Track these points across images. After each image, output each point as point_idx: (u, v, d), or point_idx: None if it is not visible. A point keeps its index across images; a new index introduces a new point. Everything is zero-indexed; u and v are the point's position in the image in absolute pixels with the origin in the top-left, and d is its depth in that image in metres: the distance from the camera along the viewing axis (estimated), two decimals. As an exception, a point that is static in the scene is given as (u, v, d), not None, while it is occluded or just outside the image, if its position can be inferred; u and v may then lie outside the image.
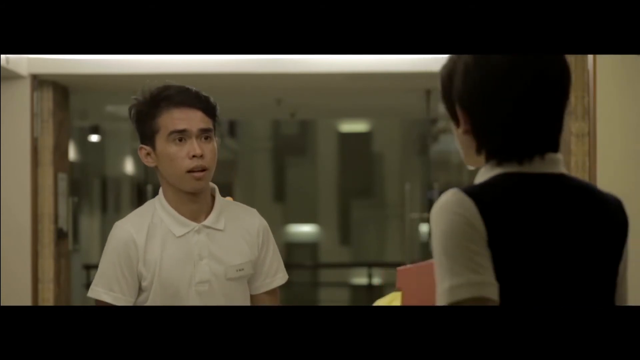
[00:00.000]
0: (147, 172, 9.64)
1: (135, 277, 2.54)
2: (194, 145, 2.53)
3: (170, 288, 2.53)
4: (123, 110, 9.21)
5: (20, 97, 6.04)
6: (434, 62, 5.77)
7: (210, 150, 2.56)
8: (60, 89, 6.39)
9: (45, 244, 6.16)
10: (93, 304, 2.62)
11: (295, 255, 14.15)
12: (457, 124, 1.72)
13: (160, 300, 2.54)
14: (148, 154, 2.59)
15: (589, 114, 4.45)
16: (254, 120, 13.96)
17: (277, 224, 14.80)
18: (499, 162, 1.67)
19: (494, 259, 1.59)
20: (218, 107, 2.63)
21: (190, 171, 2.53)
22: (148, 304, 2.54)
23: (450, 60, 1.75)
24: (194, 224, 2.58)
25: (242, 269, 2.59)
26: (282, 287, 2.72)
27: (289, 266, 2.76)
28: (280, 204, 14.84)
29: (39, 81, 6.17)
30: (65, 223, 6.44)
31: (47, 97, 6.23)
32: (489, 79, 1.67)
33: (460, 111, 1.70)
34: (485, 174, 1.69)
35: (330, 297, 14.00)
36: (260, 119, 13.35)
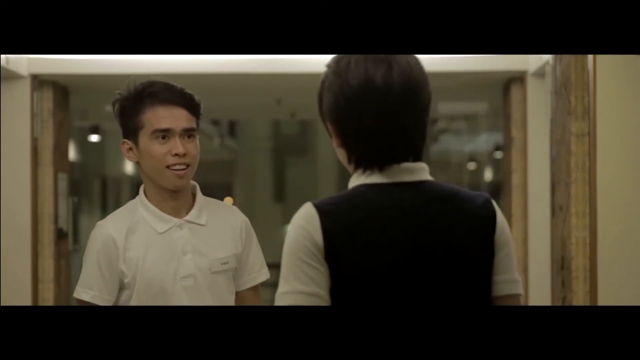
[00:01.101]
0: (147, 172, 9.65)
1: (115, 276, 2.55)
2: (177, 144, 2.55)
3: (155, 284, 2.54)
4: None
5: (20, 97, 6.04)
6: (434, 62, 5.78)
7: (192, 147, 2.58)
8: (60, 89, 6.39)
9: (45, 244, 6.16)
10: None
11: (295, 255, 14.07)
12: (332, 138, 1.86)
13: (146, 297, 2.54)
14: (130, 149, 2.60)
15: (589, 114, 4.44)
16: (254, 120, 13.95)
17: (277, 224, 14.78)
18: (363, 172, 1.81)
19: (334, 272, 1.74)
20: (202, 105, 2.64)
21: (171, 167, 2.54)
22: (132, 301, 2.55)
23: (321, 81, 1.88)
24: (175, 220, 2.59)
25: (227, 262, 2.60)
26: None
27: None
28: (280, 204, 14.82)
29: (39, 81, 6.17)
30: (65, 223, 6.44)
31: (47, 97, 6.23)
32: (345, 96, 1.80)
33: (330, 126, 1.84)
34: (350, 183, 1.83)
35: (330, 297, 13.94)
36: (260, 119, 13.33)
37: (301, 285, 1.74)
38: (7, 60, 5.62)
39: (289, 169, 15.12)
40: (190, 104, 2.59)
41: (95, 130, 9.77)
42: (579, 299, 4.62)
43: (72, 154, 7.80)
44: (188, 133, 2.57)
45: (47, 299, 6.15)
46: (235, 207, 2.72)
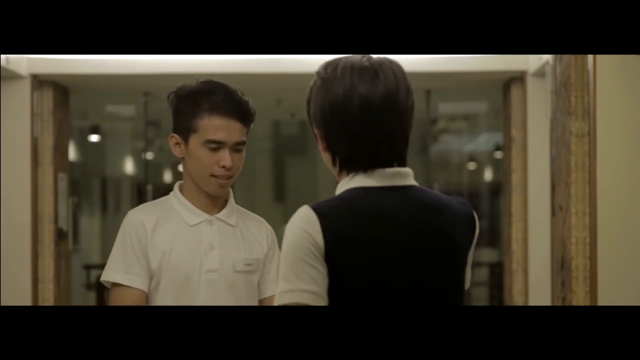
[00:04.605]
0: (147, 172, 9.63)
1: (147, 260, 2.57)
2: (226, 157, 2.58)
3: (180, 273, 2.57)
4: (123, 110, 9.14)
5: (20, 97, 6.04)
6: (434, 62, 5.77)
7: (239, 160, 2.63)
8: (60, 89, 6.39)
9: (45, 244, 6.16)
10: (94, 302, 2.63)
11: (295, 255, 14.04)
12: (318, 142, 1.95)
13: (173, 286, 2.57)
14: (178, 144, 2.63)
15: (589, 114, 4.44)
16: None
17: (277, 224, 14.72)
18: (350, 175, 1.90)
19: (332, 272, 1.80)
20: (255, 113, 2.66)
21: (216, 176, 2.58)
22: (160, 290, 2.57)
23: (309, 87, 1.97)
24: (207, 215, 2.64)
25: (250, 264, 2.65)
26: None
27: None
28: (280, 204, 14.82)
29: (39, 81, 6.17)
30: (65, 223, 6.44)
31: (47, 97, 6.23)
32: (330, 102, 1.89)
33: (316, 130, 1.94)
34: (340, 187, 1.92)
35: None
36: (260, 119, 13.32)
37: (303, 284, 1.80)
38: (7, 60, 5.62)
39: (289, 169, 15.10)
40: (246, 116, 2.63)
41: (95, 130, 9.77)
42: (579, 299, 4.62)
43: (72, 154, 7.80)
44: (238, 147, 2.60)
45: (47, 299, 6.15)
46: (262, 219, 2.78)
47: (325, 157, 1.95)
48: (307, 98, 1.96)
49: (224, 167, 2.58)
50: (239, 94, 2.64)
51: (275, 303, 1.83)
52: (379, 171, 1.88)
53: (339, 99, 1.87)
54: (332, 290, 1.81)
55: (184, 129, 2.60)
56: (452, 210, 1.91)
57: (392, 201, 1.86)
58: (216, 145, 2.58)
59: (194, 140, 2.59)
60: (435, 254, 1.86)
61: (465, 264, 1.92)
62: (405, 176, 1.90)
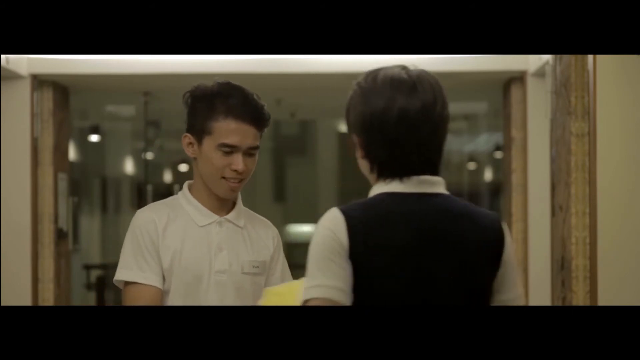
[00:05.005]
0: (147, 172, 9.63)
1: (160, 259, 2.57)
2: (239, 161, 2.58)
3: (190, 273, 2.57)
4: (123, 110, 9.13)
5: (20, 97, 6.04)
6: (434, 62, 5.77)
7: (251, 163, 2.63)
8: (60, 89, 6.39)
9: (45, 244, 6.16)
10: (94, 302, 2.63)
11: (295, 255, 14.06)
12: (356, 150, 2.01)
13: (183, 287, 2.57)
14: (191, 144, 2.63)
15: (589, 114, 4.44)
16: (254, 120, 13.89)
17: (277, 224, 14.67)
18: (385, 181, 1.97)
19: (357, 270, 1.88)
20: (269, 118, 2.67)
21: (227, 178, 2.58)
22: (172, 290, 2.58)
23: (349, 96, 2.01)
24: (216, 216, 2.64)
25: (257, 267, 2.65)
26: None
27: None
28: (280, 204, 14.80)
29: (39, 81, 6.16)
30: (65, 223, 6.44)
31: (47, 97, 6.23)
32: (370, 112, 1.95)
33: (355, 138, 2.00)
34: (371, 192, 1.99)
35: (330, 296, 13.87)
36: (260, 119, 13.27)
37: (327, 280, 1.87)
38: (7, 60, 5.62)
39: (289, 169, 15.09)
40: (260, 121, 2.64)
41: (95, 130, 9.77)
42: (579, 299, 4.62)
43: (72, 154, 7.80)
44: (251, 151, 2.60)
45: (47, 299, 6.15)
46: (268, 221, 2.79)
47: (363, 165, 2.01)
48: (347, 106, 2.02)
49: (235, 170, 2.58)
50: (255, 97, 2.65)
51: (303, 298, 1.89)
52: (411, 178, 1.94)
53: (378, 109, 1.93)
54: (356, 288, 1.87)
55: (198, 129, 2.60)
56: (478, 221, 1.95)
57: (417, 207, 1.92)
58: (230, 149, 2.58)
59: (208, 142, 2.59)
60: (453, 261, 1.90)
61: (487, 276, 1.94)
62: (434, 184, 1.96)
